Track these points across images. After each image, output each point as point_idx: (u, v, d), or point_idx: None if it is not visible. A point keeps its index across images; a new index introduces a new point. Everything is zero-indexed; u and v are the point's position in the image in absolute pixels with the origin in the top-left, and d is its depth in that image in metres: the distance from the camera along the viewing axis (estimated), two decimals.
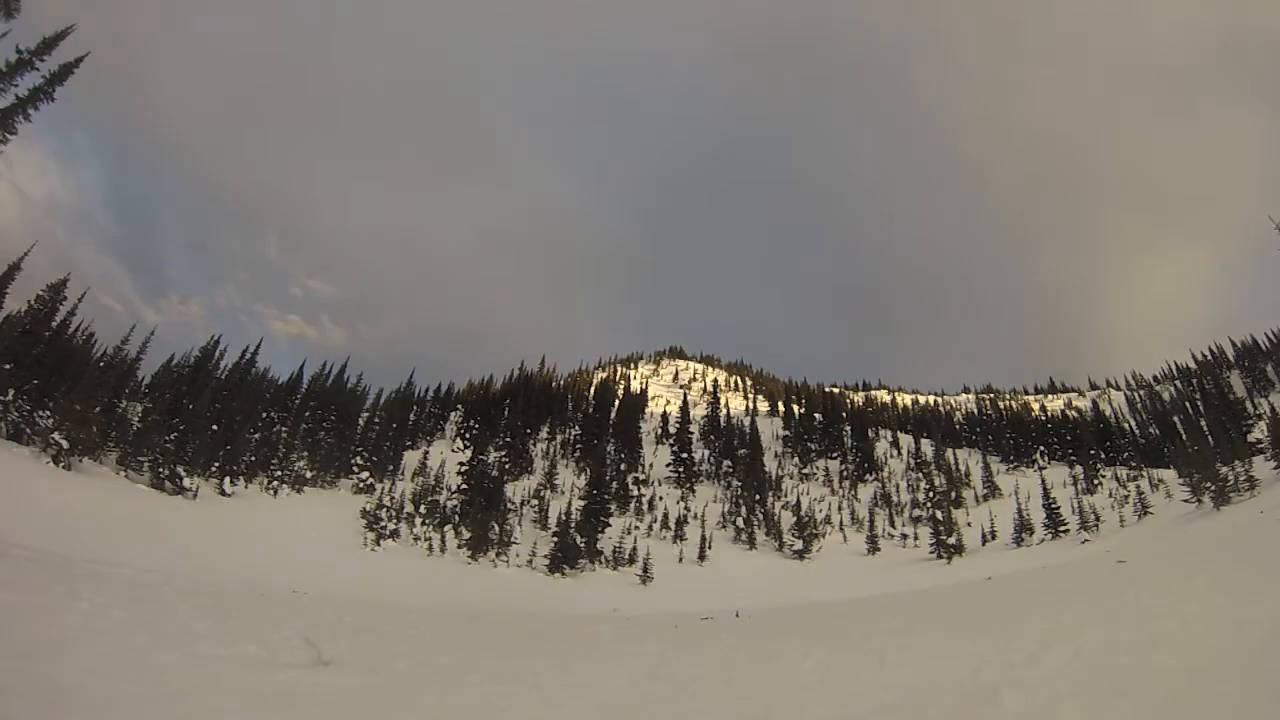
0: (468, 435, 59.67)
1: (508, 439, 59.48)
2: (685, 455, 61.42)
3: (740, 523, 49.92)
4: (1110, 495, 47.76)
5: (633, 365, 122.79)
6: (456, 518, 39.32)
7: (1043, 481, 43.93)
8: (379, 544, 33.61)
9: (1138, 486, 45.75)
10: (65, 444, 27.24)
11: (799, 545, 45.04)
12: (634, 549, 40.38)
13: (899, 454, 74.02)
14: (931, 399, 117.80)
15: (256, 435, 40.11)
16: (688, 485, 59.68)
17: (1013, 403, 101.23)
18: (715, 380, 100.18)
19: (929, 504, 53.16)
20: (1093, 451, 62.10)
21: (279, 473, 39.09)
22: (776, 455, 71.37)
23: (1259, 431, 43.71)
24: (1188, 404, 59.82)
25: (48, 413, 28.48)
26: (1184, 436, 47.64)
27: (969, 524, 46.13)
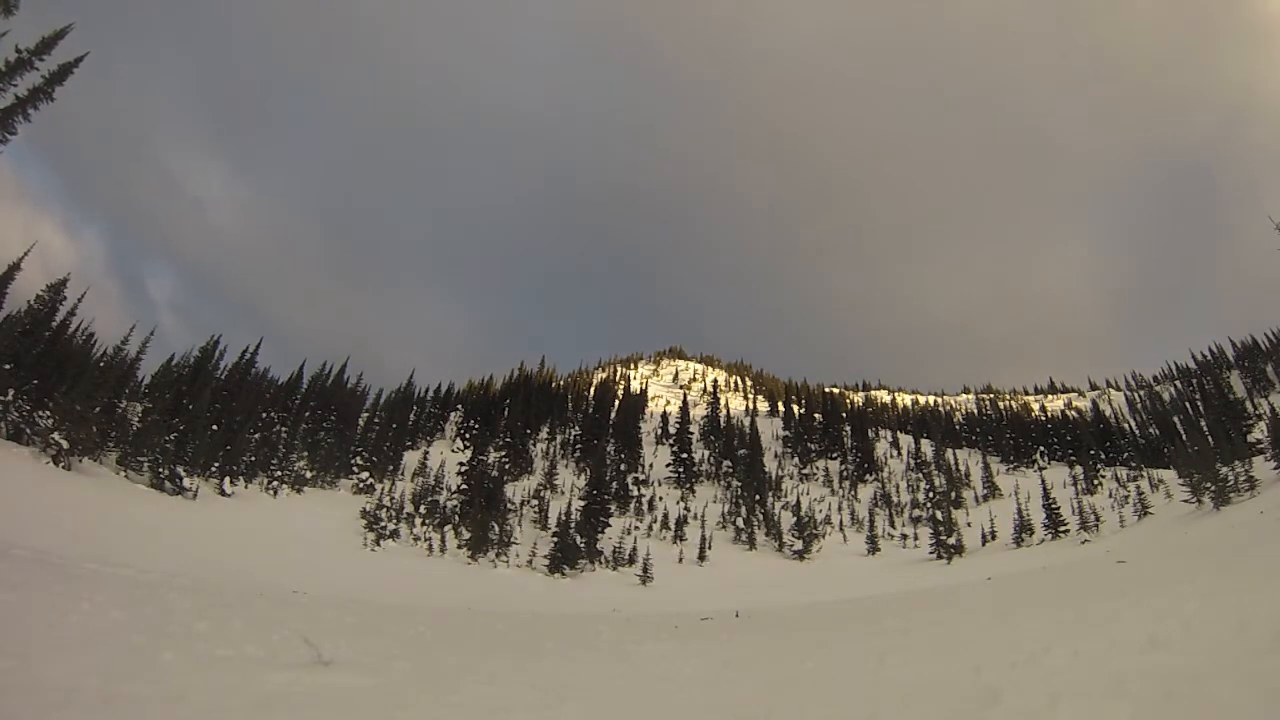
0: (468, 435, 59.66)
1: (508, 439, 59.47)
2: (685, 455, 61.40)
3: (740, 523, 49.90)
4: (1110, 495, 47.75)
5: (632, 365, 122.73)
6: (456, 518, 39.31)
7: (1043, 482, 43.89)
8: (379, 544, 33.60)
9: (1138, 487, 45.73)
10: (65, 444, 27.22)
11: (799, 545, 45.01)
12: (634, 549, 40.36)
13: (899, 454, 73.99)
14: (931, 399, 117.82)
15: (256, 435, 40.06)
16: (688, 485, 59.67)
17: (1013, 403, 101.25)
18: (715, 380, 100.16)
19: (929, 504, 53.16)
20: (1093, 452, 62.06)
21: (279, 473, 39.06)
22: (776, 455, 71.34)
23: (1259, 431, 43.70)
24: (1188, 404, 59.86)
25: (48, 413, 28.42)
26: (1184, 436, 47.63)
27: (969, 524, 46.08)
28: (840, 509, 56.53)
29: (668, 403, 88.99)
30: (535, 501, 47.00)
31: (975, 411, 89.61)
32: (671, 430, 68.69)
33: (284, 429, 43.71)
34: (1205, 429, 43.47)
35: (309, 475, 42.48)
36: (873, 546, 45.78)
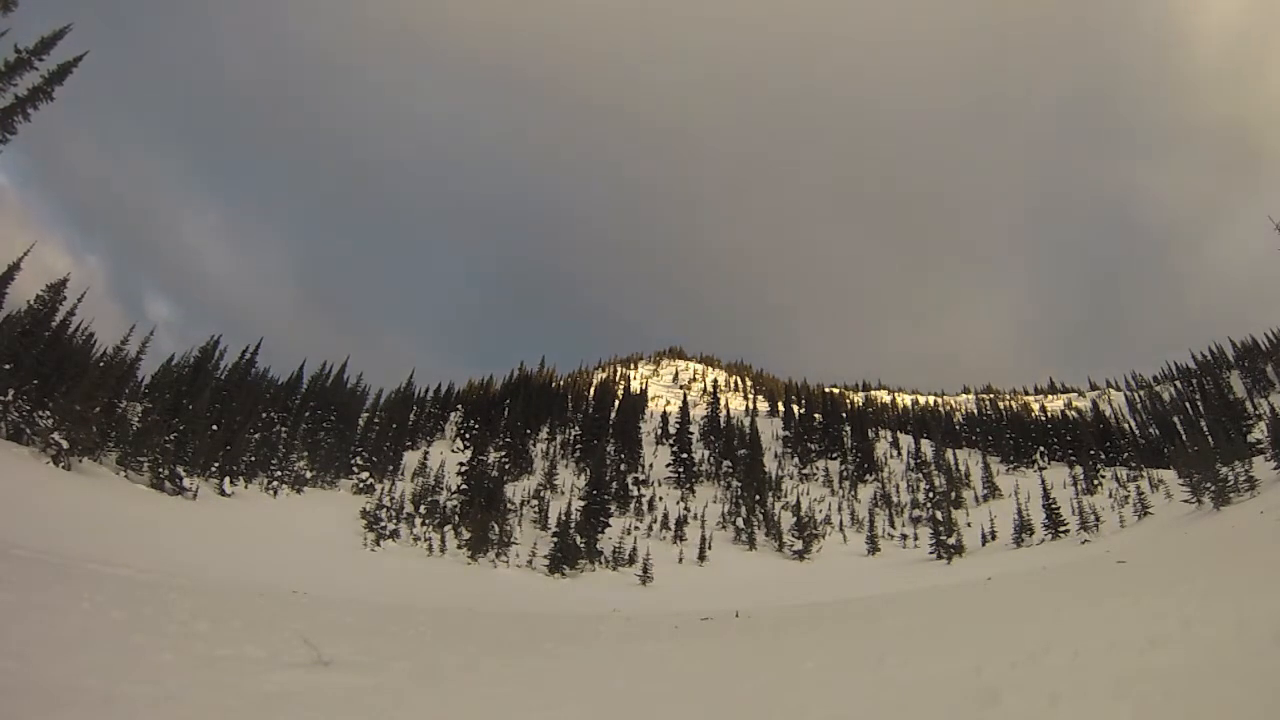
0: (468, 435, 59.65)
1: (508, 439, 59.48)
2: (685, 455, 61.38)
3: (740, 523, 49.89)
4: (1110, 495, 47.72)
5: (633, 365, 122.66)
6: (456, 518, 39.30)
7: (1043, 482, 43.89)
8: (379, 544, 33.60)
9: (1138, 487, 45.69)
10: (65, 444, 27.20)
11: (799, 546, 45.01)
12: (634, 549, 40.36)
13: (899, 454, 73.97)
14: (931, 399, 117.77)
15: (256, 435, 40.06)
16: (688, 485, 59.65)
17: (1013, 403, 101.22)
18: (715, 380, 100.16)
19: (929, 504, 53.14)
20: (1093, 452, 62.02)
21: (279, 473, 39.05)
22: (776, 455, 71.32)
23: (1259, 431, 43.71)
24: (1188, 404, 59.94)
25: (48, 413, 28.41)
26: (1184, 437, 47.69)
27: (969, 524, 46.07)
28: (840, 509, 56.51)
29: (668, 403, 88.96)
30: (535, 501, 46.99)
31: (975, 411, 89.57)
32: (671, 430, 68.66)
33: (284, 429, 43.71)
34: (1205, 429, 43.53)
35: (309, 475, 42.47)
36: (873, 546, 45.78)
